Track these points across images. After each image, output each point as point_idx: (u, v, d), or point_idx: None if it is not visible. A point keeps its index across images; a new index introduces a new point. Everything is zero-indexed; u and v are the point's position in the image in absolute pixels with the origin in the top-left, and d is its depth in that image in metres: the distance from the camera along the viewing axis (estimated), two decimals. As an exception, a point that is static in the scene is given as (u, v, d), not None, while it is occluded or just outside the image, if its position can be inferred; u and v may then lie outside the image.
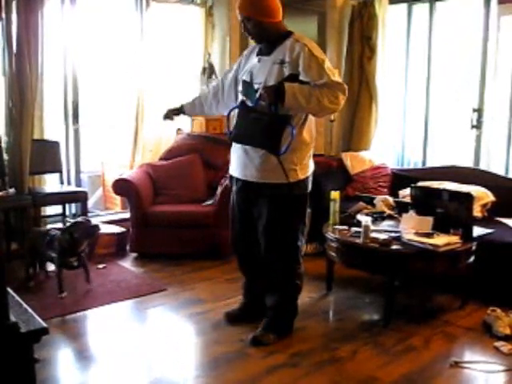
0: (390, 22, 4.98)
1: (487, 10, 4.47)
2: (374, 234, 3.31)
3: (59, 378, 2.74)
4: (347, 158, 4.93)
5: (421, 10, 5.00)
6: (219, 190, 4.55)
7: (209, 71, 5.40)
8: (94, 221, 3.84)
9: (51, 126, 4.68)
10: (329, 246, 3.59)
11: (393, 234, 3.37)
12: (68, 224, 3.89)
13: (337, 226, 3.61)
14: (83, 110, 5.00)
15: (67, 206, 4.80)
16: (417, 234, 3.33)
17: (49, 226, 4.38)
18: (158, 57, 5.20)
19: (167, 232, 4.46)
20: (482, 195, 4.02)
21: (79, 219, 3.83)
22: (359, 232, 3.36)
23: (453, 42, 4.96)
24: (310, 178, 3.04)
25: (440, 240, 3.23)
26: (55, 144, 4.67)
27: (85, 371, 2.81)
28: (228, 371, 2.75)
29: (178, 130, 5.34)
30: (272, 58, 2.87)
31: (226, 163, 3.31)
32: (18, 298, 1.78)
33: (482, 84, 4.58)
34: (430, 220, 3.39)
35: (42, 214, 4.63)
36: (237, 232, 3.21)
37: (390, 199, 4.00)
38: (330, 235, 3.54)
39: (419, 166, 5.10)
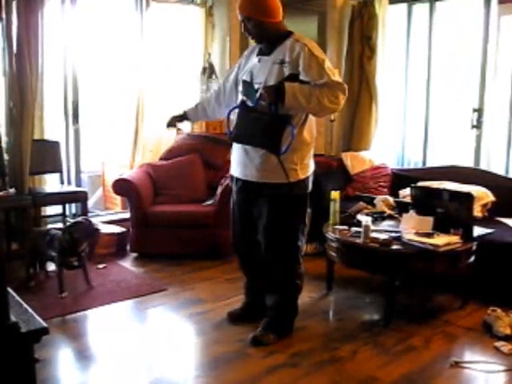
0: (390, 21, 4.98)
1: (487, 9, 4.47)
2: (374, 234, 3.31)
3: (59, 378, 2.74)
4: (347, 158, 4.93)
5: (421, 9, 5.00)
6: (219, 190, 4.55)
7: (209, 71, 5.39)
8: (94, 221, 3.84)
9: (51, 126, 4.68)
10: (329, 246, 3.59)
11: (393, 234, 3.37)
12: (68, 224, 3.90)
13: (337, 226, 3.61)
14: (83, 110, 5.00)
15: (67, 206, 4.80)
16: (417, 233, 3.33)
17: (49, 226, 4.38)
18: (158, 57, 5.19)
19: (167, 232, 4.46)
20: (483, 195, 4.02)
21: (80, 219, 3.83)
22: (359, 232, 3.36)
23: (453, 42, 4.95)
24: (311, 178, 3.04)
25: (440, 240, 3.23)
26: (55, 144, 4.67)
27: (85, 371, 2.81)
28: (228, 371, 2.75)
29: (178, 129, 5.32)
30: (272, 57, 2.87)
31: (226, 163, 3.32)
32: (18, 297, 1.78)
33: (482, 84, 4.58)
34: (430, 220, 3.39)
35: (42, 214, 4.63)
36: (237, 232, 3.21)
37: (391, 199, 4.00)
38: (330, 235, 3.54)
39: (419, 165, 5.10)
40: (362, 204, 3.94)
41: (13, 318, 1.54)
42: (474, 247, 3.38)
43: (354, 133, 5.15)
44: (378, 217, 3.73)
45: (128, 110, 5.19)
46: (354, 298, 3.74)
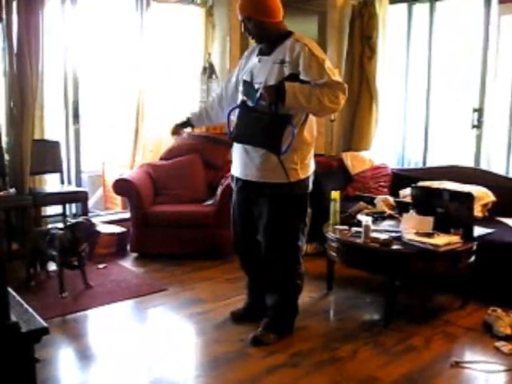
0: (390, 21, 4.98)
1: (487, 9, 4.47)
2: (374, 234, 3.31)
3: (60, 378, 2.74)
4: (347, 158, 4.93)
5: (421, 9, 5.00)
6: (219, 190, 4.55)
7: (209, 71, 5.39)
8: (94, 221, 3.84)
9: (52, 126, 4.68)
10: (329, 246, 3.59)
11: (393, 234, 3.37)
12: (69, 223, 3.90)
13: (337, 226, 3.61)
14: (83, 110, 5.01)
15: (68, 205, 4.81)
16: (417, 233, 3.33)
17: (49, 226, 4.38)
18: (158, 57, 5.19)
19: (167, 232, 4.46)
20: (483, 195, 4.02)
21: (80, 219, 3.83)
22: (360, 232, 3.36)
23: (453, 42, 4.95)
24: (311, 178, 3.04)
25: (440, 240, 3.23)
26: (56, 144, 4.67)
27: (85, 371, 2.81)
28: (228, 371, 2.75)
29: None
30: (272, 57, 2.87)
31: (226, 163, 3.32)
32: (18, 297, 1.78)
33: (483, 84, 4.58)
34: (430, 220, 3.39)
35: (43, 213, 4.63)
36: (238, 231, 3.21)
37: (391, 199, 4.00)
38: (330, 235, 3.54)
39: (420, 165, 5.09)
40: (362, 204, 3.94)
41: (13, 318, 1.54)
42: (475, 247, 3.38)
43: (355, 133, 5.15)
44: (379, 217, 3.73)
45: (128, 110, 5.19)
46: (355, 297, 3.74)
